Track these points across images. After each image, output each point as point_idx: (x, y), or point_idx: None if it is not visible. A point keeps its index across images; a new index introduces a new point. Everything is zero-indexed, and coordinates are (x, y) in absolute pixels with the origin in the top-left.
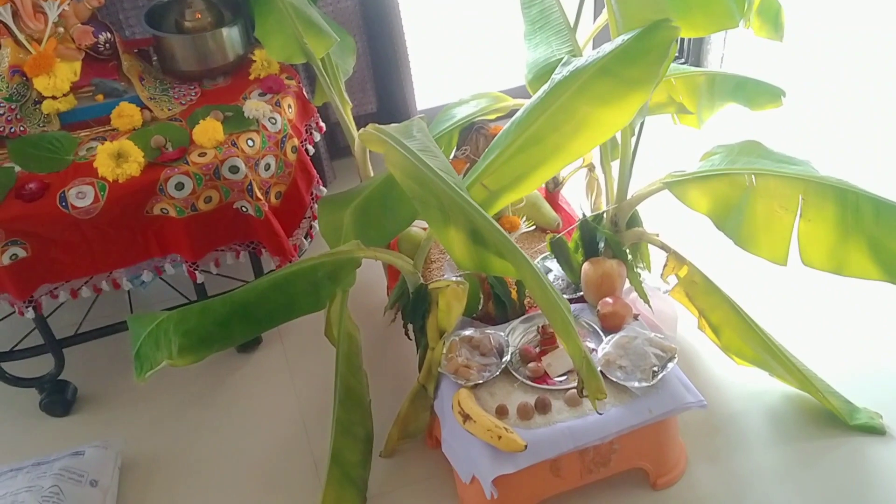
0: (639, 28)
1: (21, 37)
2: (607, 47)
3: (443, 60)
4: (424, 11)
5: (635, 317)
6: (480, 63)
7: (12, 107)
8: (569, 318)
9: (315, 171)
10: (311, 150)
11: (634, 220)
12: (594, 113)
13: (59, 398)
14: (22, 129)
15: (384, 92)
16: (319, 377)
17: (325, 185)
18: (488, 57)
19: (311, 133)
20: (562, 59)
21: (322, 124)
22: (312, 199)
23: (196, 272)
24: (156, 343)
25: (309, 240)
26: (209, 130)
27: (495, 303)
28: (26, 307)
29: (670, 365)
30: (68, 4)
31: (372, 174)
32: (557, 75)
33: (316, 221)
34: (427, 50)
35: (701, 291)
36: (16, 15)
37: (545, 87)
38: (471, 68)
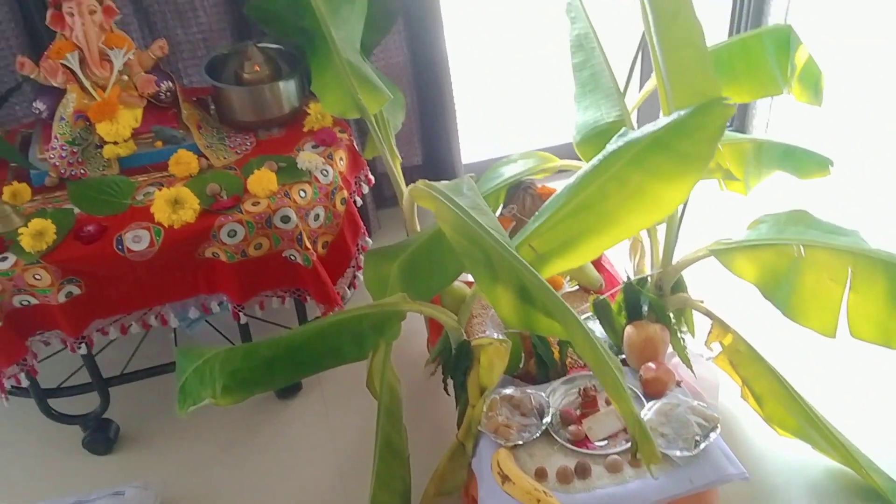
0: (689, 98)
1: (87, 83)
2: (662, 121)
3: (489, 115)
4: (473, 67)
5: (678, 383)
6: (525, 118)
7: (74, 150)
8: (620, 380)
9: (362, 223)
10: (360, 201)
11: (679, 285)
12: (647, 184)
13: (102, 436)
14: (83, 172)
15: (430, 145)
16: (357, 427)
17: (370, 235)
18: (533, 113)
19: (359, 185)
20: (612, 122)
21: (371, 177)
22: (358, 249)
23: (240, 313)
24: (200, 379)
25: (352, 289)
26: (263, 180)
27: (537, 362)
28: (78, 344)
29: (713, 435)
30: (133, 54)
31: (418, 228)
32: (612, 144)
33: (360, 271)
34: (474, 104)
35: (745, 360)
36: (83, 62)
37: (599, 154)
38: (516, 124)
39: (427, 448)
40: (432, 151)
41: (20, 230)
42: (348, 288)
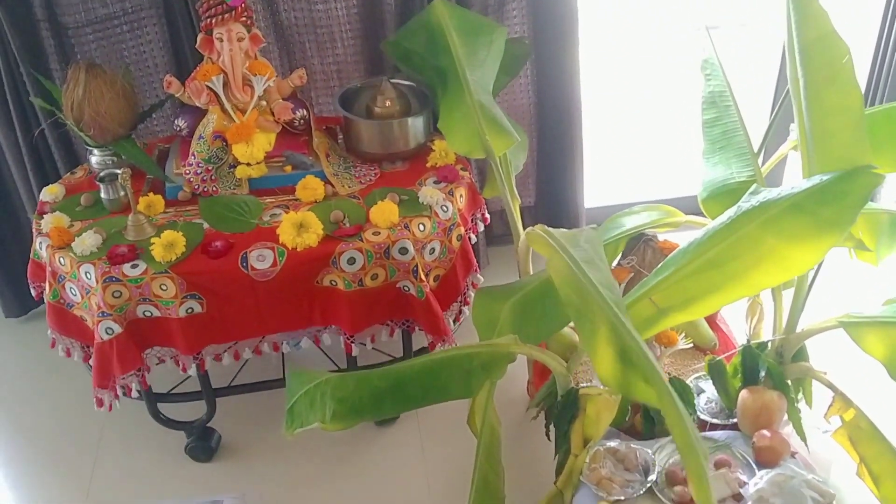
0: (832, 164)
1: (228, 106)
2: (803, 184)
3: (607, 162)
4: (599, 112)
5: (792, 454)
6: (643, 168)
7: (209, 168)
8: (704, 465)
9: (474, 260)
10: (474, 238)
11: (801, 354)
12: (781, 247)
13: (204, 445)
14: (215, 189)
15: (546, 187)
16: (451, 463)
17: (479, 271)
18: (655, 164)
19: (475, 223)
20: (742, 182)
21: (487, 216)
22: (468, 285)
23: (352, 345)
24: (311, 403)
25: (456, 324)
26: (386, 212)
27: (644, 417)
28: (191, 363)
29: None
30: (273, 81)
31: (531, 270)
32: (745, 203)
33: (466, 306)
34: (596, 150)
35: (866, 438)
36: (226, 86)
37: (730, 211)
38: (634, 173)
39: (522, 493)
40: (548, 194)
41: (152, 240)
42: (453, 322)
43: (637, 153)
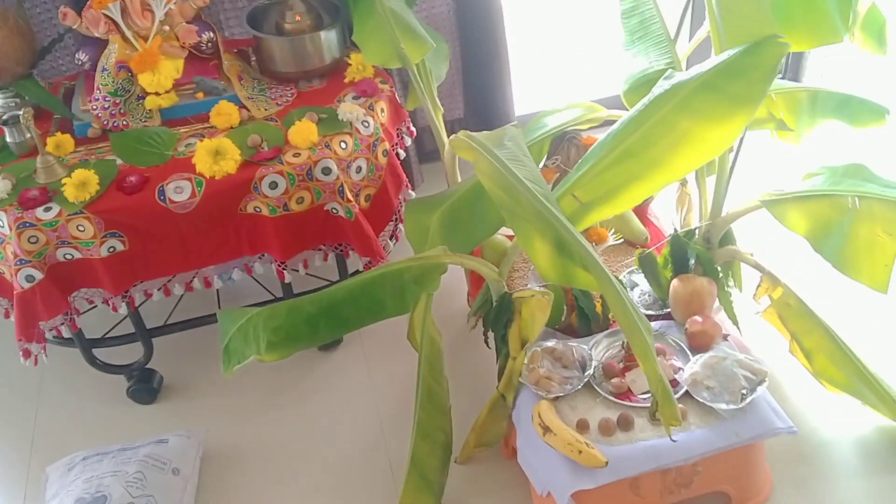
0: (743, 43)
1: (129, 34)
2: (711, 61)
3: (535, 67)
4: (519, 18)
5: (725, 337)
6: (573, 71)
7: (117, 101)
8: (648, 341)
9: (405, 175)
10: (402, 154)
11: (728, 238)
12: (695, 129)
13: (145, 386)
14: (125, 123)
15: (474, 97)
16: (398, 380)
17: (413, 189)
18: (581, 65)
19: (402, 137)
20: (660, 70)
21: (413, 129)
22: (401, 202)
23: (285, 272)
24: (244, 338)
25: (394, 241)
26: (304, 131)
27: (579, 315)
28: (119, 302)
29: (760, 388)
30: (174, 3)
31: (460, 179)
32: (658, 88)
33: (402, 224)
34: (519, 56)
35: (795, 314)
36: (124, 12)
37: (644, 99)
38: (564, 75)
39: (467, 400)
40: (476, 104)
41: (64, 180)
42: (390, 240)
43: (566, 55)
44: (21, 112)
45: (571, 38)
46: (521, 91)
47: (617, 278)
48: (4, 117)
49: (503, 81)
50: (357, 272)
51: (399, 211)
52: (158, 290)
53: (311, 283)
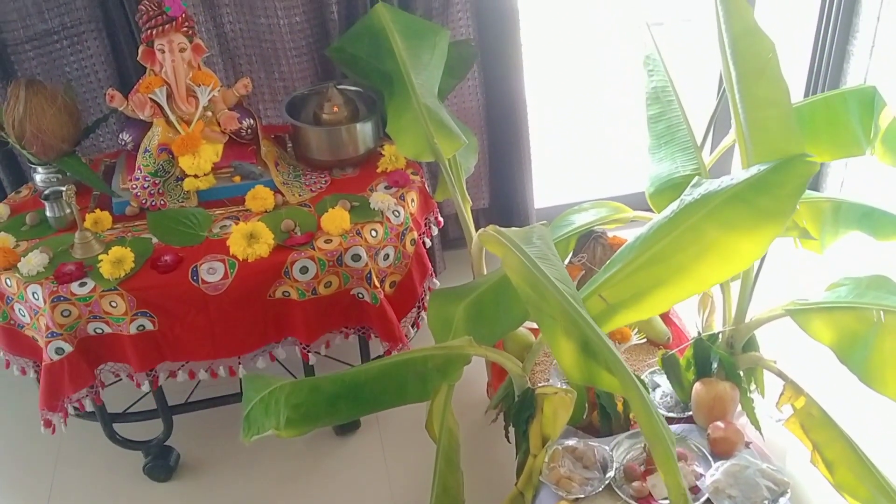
0: (769, 154)
1: (173, 117)
2: (741, 174)
3: (560, 162)
4: (546, 114)
5: (747, 444)
6: (596, 167)
7: (156, 181)
8: (671, 450)
9: (430, 264)
10: (429, 242)
11: (751, 344)
12: (723, 238)
13: (163, 463)
14: (162, 202)
15: (499, 189)
16: (414, 468)
17: (436, 276)
18: (604, 162)
19: (429, 226)
20: (687, 175)
21: (440, 219)
22: (425, 290)
23: (309, 354)
24: (265, 409)
25: (415, 329)
26: (337, 219)
27: (600, 414)
28: (143, 379)
29: (783, 500)
30: (218, 91)
31: (485, 272)
32: (687, 196)
33: (424, 312)
34: (546, 150)
35: (818, 425)
36: (170, 97)
37: (673, 205)
38: (587, 172)
39: (483, 495)
40: (500, 195)
41: (100, 257)
42: (412, 327)
43: (586, 152)
44: (64, 188)
45: (593, 134)
46: (543, 185)
47: (641, 381)
48: (46, 192)
49: (524, 175)
50: (378, 357)
51: (422, 299)
52: (182, 370)
53: (333, 367)
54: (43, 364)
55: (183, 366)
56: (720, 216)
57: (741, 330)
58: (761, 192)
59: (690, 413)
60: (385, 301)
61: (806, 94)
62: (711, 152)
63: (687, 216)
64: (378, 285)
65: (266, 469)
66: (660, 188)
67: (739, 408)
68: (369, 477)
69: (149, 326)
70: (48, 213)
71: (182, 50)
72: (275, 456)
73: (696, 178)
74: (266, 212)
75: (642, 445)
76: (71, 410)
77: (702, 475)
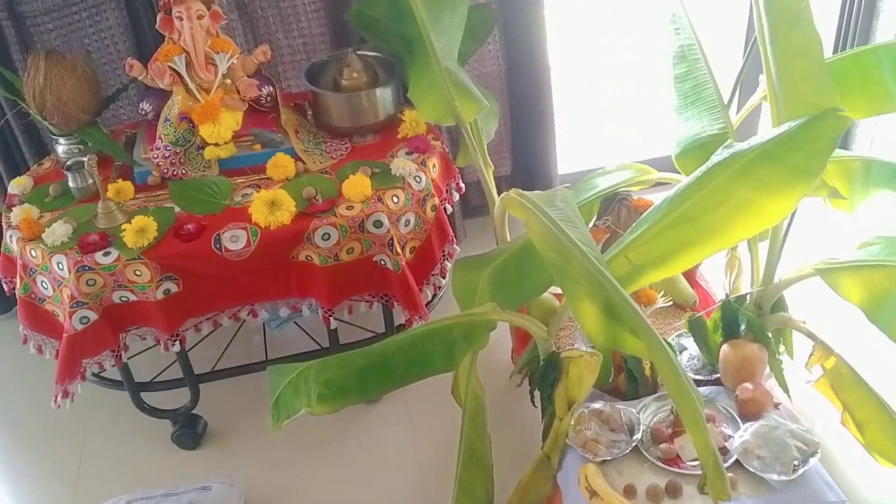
0: (801, 110)
1: (192, 86)
2: (771, 132)
3: (584, 126)
4: (570, 77)
5: (776, 405)
6: (621, 131)
7: (177, 151)
8: (700, 410)
9: (450, 230)
10: (450, 209)
11: (780, 305)
12: (753, 197)
13: (190, 431)
14: (184, 172)
15: (521, 155)
16: (439, 434)
17: (457, 243)
18: (629, 125)
19: (450, 193)
20: (714, 135)
21: (462, 185)
22: (444, 256)
23: (330, 318)
24: (295, 391)
25: (435, 296)
26: (358, 185)
27: (627, 377)
28: (172, 342)
29: (812, 460)
30: (237, 58)
31: (508, 238)
32: (717, 156)
33: (443, 277)
34: (568, 115)
35: (847, 385)
36: (189, 66)
37: (703, 167)
38: (611, 136)
39: (510, 459)
40: (523, 161)
41: (123, 226)
42: (431, 294)
43: (610, 116)
44: (86, 158)
45: (613, 98)
46: (567, 150)
47: (668, 343)
48: (69, 163)
49: (548, 140)
50: (400, 326)
51: (441, 264)
52: (207, 319)
53: (356, 334)
54: (64, 335)
55: (207, 318)
56: (750, 174)
57: (769, 291)
58: (792, 148)
59: (717, 375)
60: (406, 269)
61: (835, 52)
62: (738, 112)
63: (716, 175)
64: (399, 252)
65: (293, 435)
66: (686, 148)
67: (767, 370)
68: (395, 442)
69: (174, 289)
70: (71, 184)
71: (200, 17)
72: (301, 423)
73: (729, 140)
74: (287, 179)
75: (669, 408)
76: (91, 375)
77: (730, 436)
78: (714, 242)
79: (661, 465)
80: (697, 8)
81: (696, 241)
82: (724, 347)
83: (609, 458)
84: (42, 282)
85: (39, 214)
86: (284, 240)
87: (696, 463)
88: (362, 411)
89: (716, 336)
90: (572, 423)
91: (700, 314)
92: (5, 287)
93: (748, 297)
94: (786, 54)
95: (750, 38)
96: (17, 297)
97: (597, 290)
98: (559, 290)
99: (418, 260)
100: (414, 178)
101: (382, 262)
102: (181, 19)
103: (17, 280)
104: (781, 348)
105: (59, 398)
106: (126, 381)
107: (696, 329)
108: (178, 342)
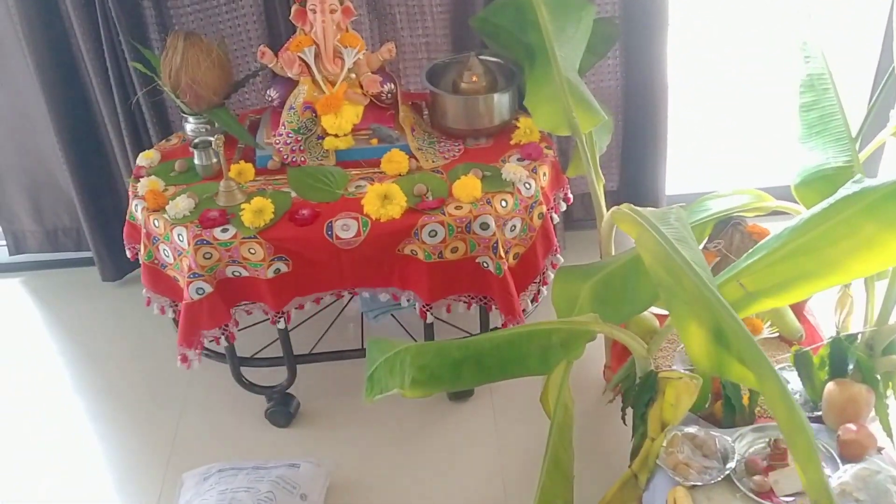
0: None
1: (319, 77)
2: None
3: (693, 148)
4: (684, 98)
5: (879, 449)
6: (730, 157)
7: (298, 138)
8: (814, 447)
9: (555, 240)
10: (557, 219)
11: (892, 347)
12: (880, 235)
13: (283, 409)
14: (302, 159)
15: (629, 171)
16: (524, 440)
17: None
18: (739, 151)
19: (558, 202)
20: (838, 167)
21: (570, 196)
22: (547, 265)
23: (427, 313)
24: (390, 370)
25: (534, 303)
26: (468, 186)
27: (724, 405)
28: (278, 318)
29: None
30: (363, 54)
31: (613, 252)
32: (845, 189)
33: (545, 286)
34: (678, 135)
35: None
36: (318, 57)
37: (829, 199)
38: (720, 160)
39: (593, 474)
40: (631, 178)
41: (242, 206)
42: (531, 302)
43: (724, 141)
44: (213, 138)
45: (732, 123)
46: (675, 172)
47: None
48: (196, 141)
49: (658, 159)
50: (496, 329)
51: (544, 273)
52: (309, 299)
53: (454, 334)
54: (183, 302)
55: (311, 297)
56: (879, 211)
57: (883, 332)
58: None
59: (819, 413)
60: (508, 273)
61: None
62: (861, 147)
63: (842, 209)
64: (503, 255)
65: (379, 426)
66: (808, 179)
67: (872, 413)
68: (479, 443)
69: (284, 269)
70: (196, 161)
71: (332, 11)
72: (389, 415)
73: (858, 175)
74: (400, 175)
75: (767, 440)
76: (206, 344)
77: (828, 476)
78: (833, 276)
79: (753, 497)
80: (825, 37)
81: (816, 272)
82: (830, 385)
83: (700, 483)
84: (164, 249)
85: (164, 187)
86: (393, 233)
87: (791, 500)
88: (449, 409)
89: (821, 373)
90: (665, 444)
91: (807, 349)
92: (128, 252)
93: (859, 336)
94: None
95: (881, 71)
96: (141, 262)
97: (707, 313)
98: (660, 311)
99: (521, 266)
100: (524, 184)
101: (485, 265)
102: (314, 12)
103: (142, 247)
104: (889, 392)
105: (180, 362)
106: (229, 354)
107: (802, 364)
108: (282, 319)
